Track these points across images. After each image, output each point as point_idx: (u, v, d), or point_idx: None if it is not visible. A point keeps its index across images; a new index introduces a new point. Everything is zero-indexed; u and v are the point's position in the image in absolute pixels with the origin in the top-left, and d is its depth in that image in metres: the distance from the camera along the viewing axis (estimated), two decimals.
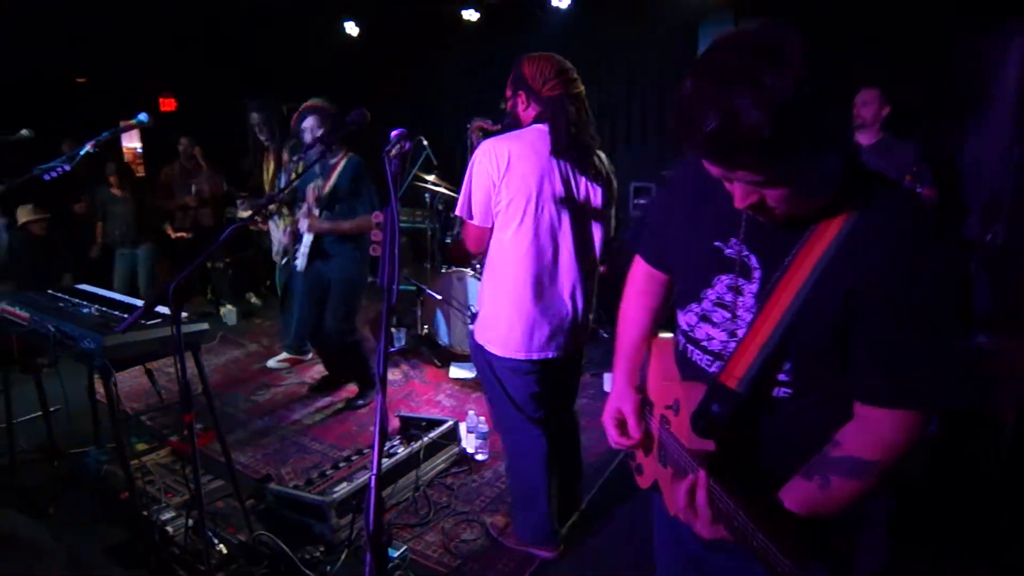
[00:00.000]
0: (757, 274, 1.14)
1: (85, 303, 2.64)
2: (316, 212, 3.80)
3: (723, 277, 1.18)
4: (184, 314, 2.11)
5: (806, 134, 0.91)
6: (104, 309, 2.58)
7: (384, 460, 3.02)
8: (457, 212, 2.33)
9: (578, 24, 5.71)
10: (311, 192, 3.77)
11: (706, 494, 1.06)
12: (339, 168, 3.78)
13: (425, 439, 3.18)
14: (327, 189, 3.78)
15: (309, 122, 3.72)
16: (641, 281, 1.50)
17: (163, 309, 2.59)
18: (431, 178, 5.36)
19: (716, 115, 0.90)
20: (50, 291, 2.87)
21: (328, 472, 3.07)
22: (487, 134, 2.74)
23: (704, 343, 1.23)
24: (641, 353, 1.47)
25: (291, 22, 6.90)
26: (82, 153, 2.63)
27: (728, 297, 1.18)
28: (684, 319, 1.28)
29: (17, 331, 2.55)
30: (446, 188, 5.31)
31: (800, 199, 1.01)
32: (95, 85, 8.49)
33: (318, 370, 4.72)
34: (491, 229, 2.32)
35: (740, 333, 1.15)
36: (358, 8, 6.43)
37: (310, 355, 4.94)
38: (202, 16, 6.53)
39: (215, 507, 2.91)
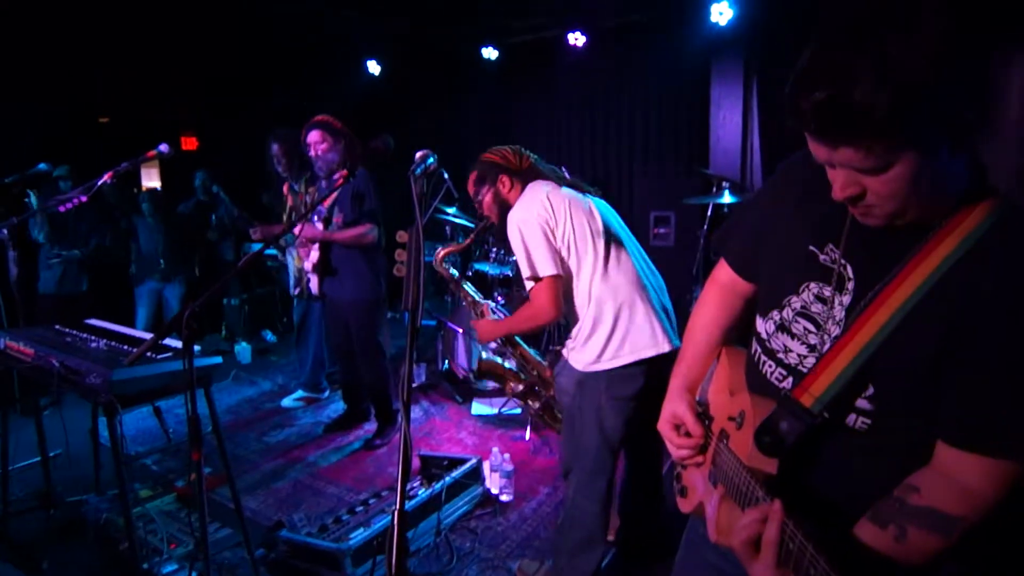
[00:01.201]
0: (851, 286, 1.02)
1: (93, 338, 2.53)
2: (318, 224, 3.68)
3: (812, 285, 1.08)
4: (196, 347, 2.01)
5: (927, 120, 0.81)
6: (113, 344, 2.47)
7: (387, 541, 2.85)
8: (528, 277, 2.28)
9: (595, 59, 5.74)
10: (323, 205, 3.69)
11: (779, 529, 0.90)
12: (343, 181, 3.65)
13: (447, 479, 3.00)
14: (329, 202, 3.68)
15: (314, 136, 3.63)
16: (720, 291, 1.38)
17: (175, 343, 2.50)
18: (452, 211, 5.30)
19: (828, 83, 0.81)
20: (57, 327, 2.77)
21: (344, 517, 2.90)
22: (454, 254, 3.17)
23: (780, 355, 1.13)
24: (704, 366, 1.35)
25: (314, 61, 6.98)
26: (99, 183, 2.58)
27: (815, 308, 1.07)
28: (763, 326, 1.17)
29: (20, 367, 2.44)
30: (467, 224, 5.25)
31: (908, 199, 0.90)
32: (117, 124, 8.63)
33: (335, 408, 4.58)
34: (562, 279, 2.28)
35: (823, 349, 1.04)
36: (381, 48, 6.48)
37: (327, 393, 4.81)
38: (225, 55, 6.60)
39: (222, 557, 2.74)
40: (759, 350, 1.18)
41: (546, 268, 2.22)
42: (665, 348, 2.25)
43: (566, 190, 2.34)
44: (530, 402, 3.58)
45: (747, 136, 5.19)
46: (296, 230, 3.71)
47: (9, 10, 4.74)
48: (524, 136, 6.20)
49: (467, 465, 3.19)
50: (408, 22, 5.79)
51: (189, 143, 9.14)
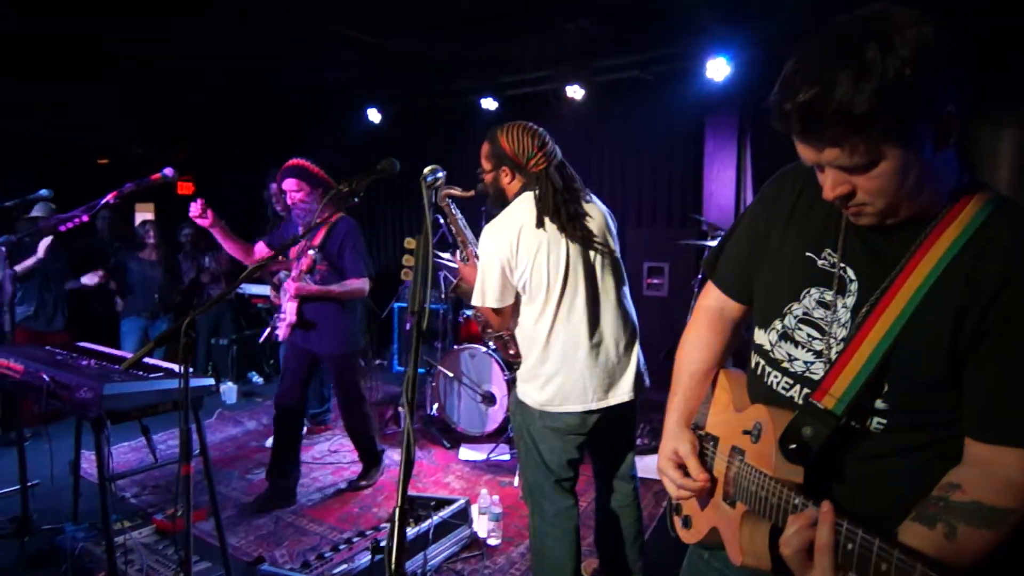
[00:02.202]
0: (854, 287, 1.04)
1: (84, 357, 2.51)
2: (307, 277, 3.46)
3: (812, 290, 1.09)
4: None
5: (907, 115, 0.84)
6: (104, 363, 2.44)
7: (387, 540, 2.78)
8: (473, 302, 2.32)
9: (592, 112, 5.89)
10: (306, 257, 3.43)
11: (832, 531, 0.87)
12: (327, 229, 3.48)
13: (435, 518, 2.93)
14: (311, 250, 3.46)
15: (290, 184, 3.42)
16: (709, 317, 1.37)
17: (167, 365, 2.48)
18: (446, 255, 5.34)
19: (810, 86, 0.86)
20: (48, 347, 2.74)
21: (327, 554, 2.82)
22: (457, 200, 2.98)
23: (784, 364, 1.12)
24: (699, 394, 1.33)
25: (316, 108, 7.13)
26: (101, 203, 2.60)
27: (818, 313, 1.08)
28: (764, 337, 1.17)
29: (7, 384, 2.40)
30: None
31: (897, 195, 0.93)
32: (116, 166, 8.72)
33: (319, 448, 4.51)
34: (512, 306, 2.31)
35: (830, 353, 1.04)
36: (382, 96, 6.65)
37: (303, 430, 4.73)
38: (225, 100, 6.75)
39: None
40: (762, 362, 1.18)
41: (491, 300, 2.25)
42: (593, 406, 2.24)
43: (544, 230, 2.23)
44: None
45: (740, 192, 5.31)
46: (289, 290, 3.44)
47: (23, 48, 4.86)
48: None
49: (455, 506, 3.12)
50: (409, 73, 5.96)
51: (185, 187, 9.24)
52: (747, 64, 4.79)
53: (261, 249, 3.56)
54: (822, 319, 1.07)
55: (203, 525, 3.09)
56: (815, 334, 1.08)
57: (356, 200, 1.91)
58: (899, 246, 0.99)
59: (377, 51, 5.09)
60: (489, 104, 5.98)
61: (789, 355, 1.12)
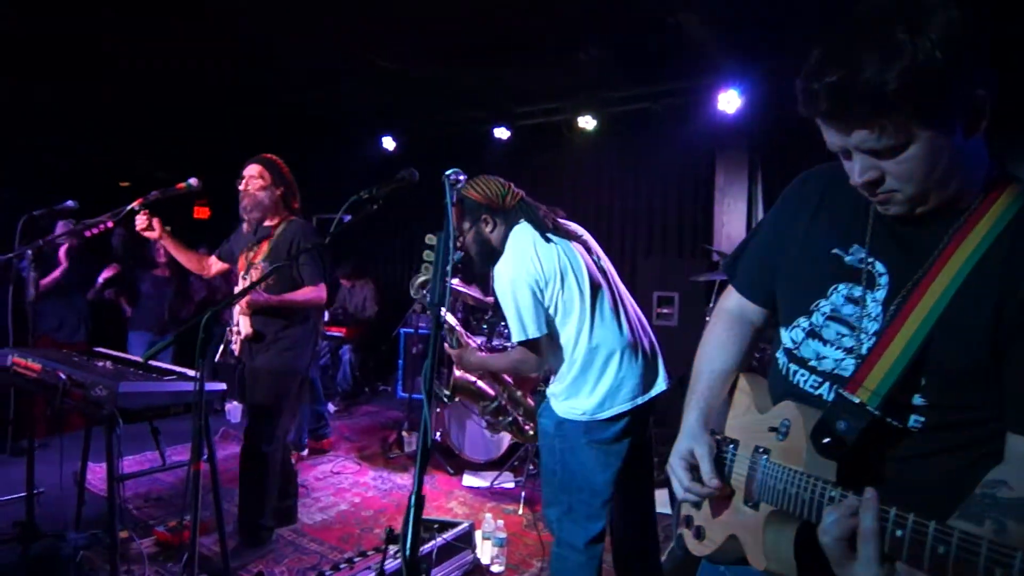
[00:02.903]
0: (885, 280, 1.02)
1: (100, 360, 2.53)
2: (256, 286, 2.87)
3: (840, 287, 1.07)
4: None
5: (937, 96, 0.84)
6: (119, 365, 2.47)
7: (388, 562, 2.74)
8: (517, 338, 2.22)
9: (603, 142, 5.97)
10: (255, 269, 3.06)
11: (877, 518, 0.83)
12: (276, 233, 3.14)
13: (439, 539, 2.90)
14: (259, 257, 3.09)
15: (251, 169, 3.13)
16: (729, 319, 1.36)
17: (181, 370, 2.50)
18: (455, 281, 5.37)
19: (839, 67, 0.86)
20: (65, 351, 2.77)
21: (327, 573, 2.77)
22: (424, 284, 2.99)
23: (812, 362, 1.10)
24: (718, 395, 1.29)
25: (331, 135, 7.27)
26: (126, 210, 2.66)
27: (846, 310, 1.06)
28: (788, 336, 1.15)
29: (24, 383, 2.42)
30: (470, 292, 5.30)
31: (927, 181, 0.91)
32: (137, 190, 8.87)
33: (321, 469, 4.48)
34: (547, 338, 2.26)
35: (860, 349, 1.02)
36: (396, 124, 6.79)
37: (306, 451, 4.74)
38: (241, 126, 6.88)
39: None
40: (786, 361, 1.15)
41: (534, 330, 2.20)
42: (640, 400, 2.26)
43: (553, 242, 2.28)
44: (500, 418, 3.48)
45: (752, 225, 5.34)
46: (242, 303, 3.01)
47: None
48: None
49: (458, 528, 3.08)
50: (423, 102, 6.07)
51: (202, 212, 9.37)
52: (759, 98, 4.85)
53: (215, 261, 3.41)
54: (851, 316, 1.05)
55: (203, 539, 3.06)
56: (844, 331, 1.06)
57: (375, 207, 1.93)
58: (930, 237, 0.98)
59: (394, 79, 5.21)
60: (502, 133, 6.09)
61: (817, 353, 1.09)
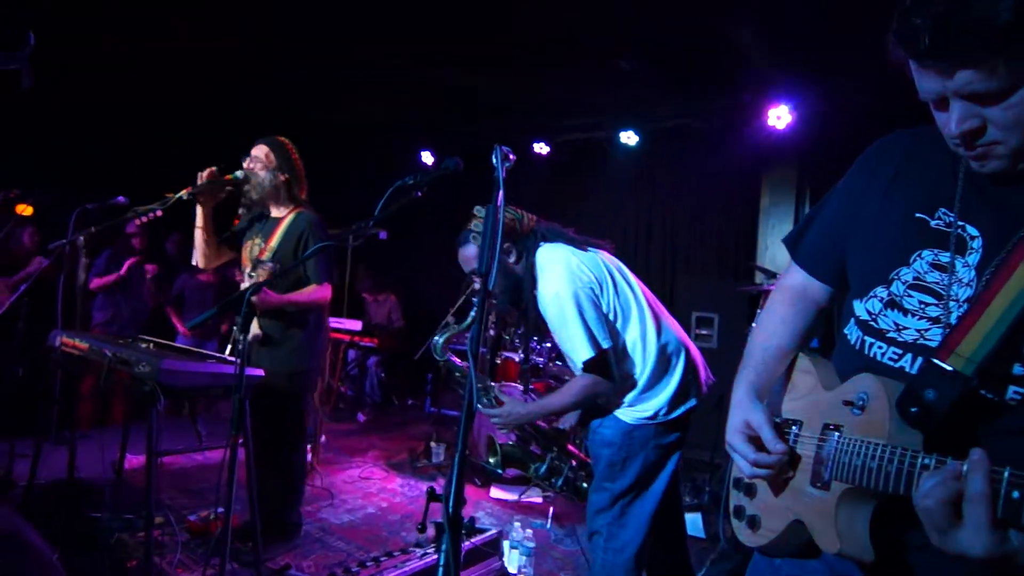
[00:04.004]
0: (978, 243, 0.95)
1: (144, 342, 2.59)
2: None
3: (925, 253, 1.00)
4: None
5: None
6: (163, 348, 2.51)
7: (415, 563, 2.71)
8: (587, 356, 2.07)
9: (645, 160, 5.92)
10: (263, 269, 2.94)
11: (988, 480, 0.75)
12: (284, 225, 3.01)
13: (467, 542, 2.85)
14: (266, 253, 2.97)
15: (259, 150, 3.00)
16: (790, 294, 1.28)
17: (220, 356, 2.54)
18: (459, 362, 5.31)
19: None
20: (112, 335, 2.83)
21: (354, 569, 2.74)
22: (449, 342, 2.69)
23: (891, 334, 1.02)
24: (773, 371, 1.22)
25: (370, 149, 7.37)
26: (175, 198, 2.72)
27: (931, 277, 0.98)
28: (863, 307, 1.07)
29: (70, 361, 2.48)
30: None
31: None
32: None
33: (349, 474, 4.48)
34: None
35: (949, 318, 0.95)
36: (434, 139, 6.86)
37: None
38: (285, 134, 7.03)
39: None
40: (860, 334, 1.08)
41: (604, 340, 2.08)
42: (699, 396, 2.25)
43: (588, 249, 2.25)
44: (553, 480, 3.43)
45: None
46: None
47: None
48: (571, 226, 6.35)
49: (487, 534, 3.03)
50: (462, 117, 6.12)
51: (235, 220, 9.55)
52: (811, 115, 4.72)
53: (225, 253, 3.27)
54: (937, 283, 0.98)
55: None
56: (929, 300, 0.98)
57: (419, 194, 1.94)
58: None
59: (432, 90, 5.27)
60: (541, 149, 6.11)
61: (896, 324, 1.01)
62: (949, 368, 0.89)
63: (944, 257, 0.98)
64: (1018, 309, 0.86)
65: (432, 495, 1.11)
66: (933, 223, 1.00)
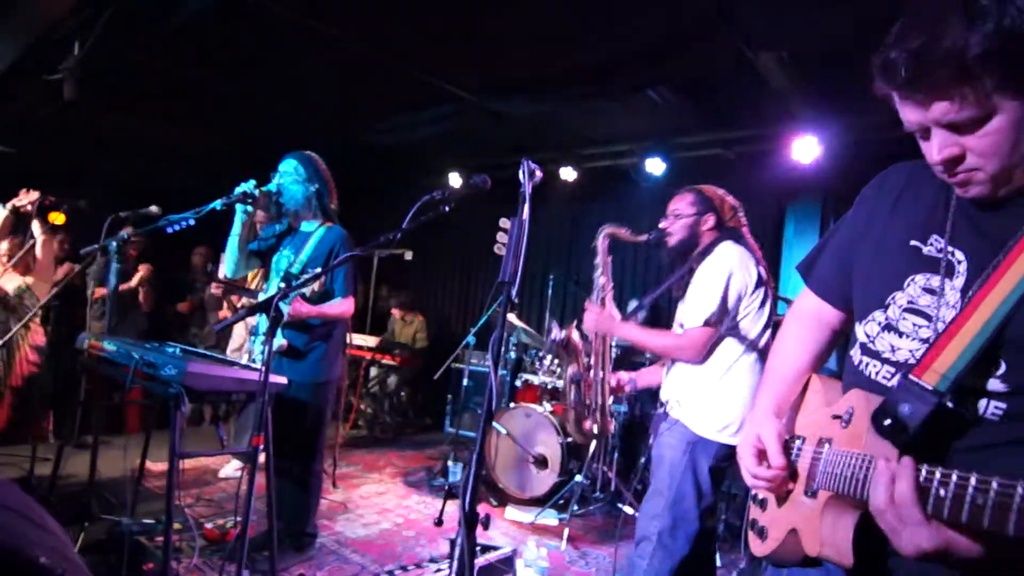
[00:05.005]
0: (963, 267, 0.99)
1: (170, 347, 2.64)
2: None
3: (917, 278, 1.04)
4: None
5: (1019, 64, 0.82)
6: (189, 352, 2.56)
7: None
8: (696, 323, 2.30)
9: (671, 189, 5.92)
10: (317, 281, 2.96)
11: (913, 480, 0.83)
12: (314, 239, 3.06)
13: (480, 559, 2.83)
14: (296, 265, 3.00)
15: (287, 165, 3.06)
16: (804, 316, 1.34)
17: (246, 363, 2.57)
18: (511, 316, 5.38)
19: (920, 35, 0.85)
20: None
21: None
22: (616, 241, 2.82)
23: (885, 354, 1.07)
24: (791, 390, 1.27)
25: (397, 170, 7.48)
26: (208, 208, 2.79)
27: (923, 301, 1.03)
28: (863, 329, 1.13)
29: (96, 363, 2.54)
30: (525, 327, 5.30)
31: (1011, 156, 0.88)
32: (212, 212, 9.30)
33: (366, 490, 4.48)
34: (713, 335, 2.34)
35: (937, 338, 0.99)
36: (462, 162, 6.94)
37: None
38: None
39: None
40: (860, 354, 1.13)
41: (718, 321, 2.29)
42: None
43: (759, 265, 2.43)
44: (574, 394, 3.00)
45: None
46: (285, 312, 2.76)
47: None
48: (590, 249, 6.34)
49: (501, 552, 3.01)
50: (489, 140, 6.18)
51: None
52: (837, 148, 4.69)
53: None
54: (928, 306, 1.03)
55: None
56: (922, 322, 1.03)
57: (446, 209, 1.97)
58: (1010, 221, 0.95)
59: (462, 113, 5.34)
60: (568, 174, 6.14)
61: (892, 346, 1.07)
62: (924, 384, 0.94)
63: (935, 281, 1.02)
64: (993, 327, 0.90)
65: (449, 493, 1.12)
66: (926, 250, 1.05)
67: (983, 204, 0.98)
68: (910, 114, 0.92)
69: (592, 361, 2.77)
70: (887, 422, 0.94)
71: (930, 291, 1.03)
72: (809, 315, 1.33)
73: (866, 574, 1.01)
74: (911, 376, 0.96)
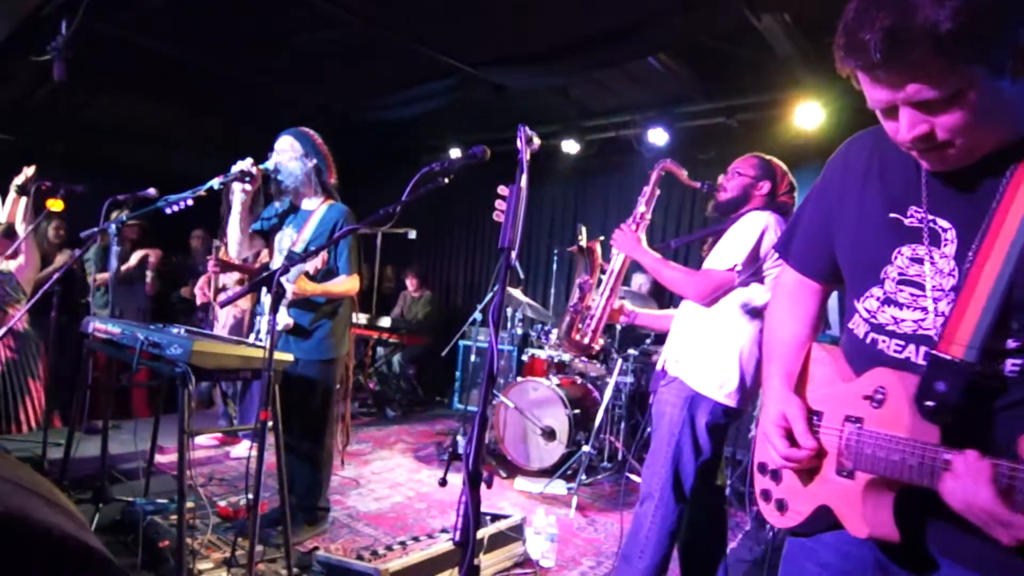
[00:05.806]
0: (952, 234, 1.00)
1: (174, 328, 2.65)
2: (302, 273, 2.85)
3: (903, 249, 1.05)
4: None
5: (989, 38, 0.81)
6: (193, 332, 2.57)
7: (442, 547, 2.74)
8: (729, 262, 2.30)
9: (674, 158, 5.88)
10: (318, 258, 2.95)
11: (991, 481, 0.84)
12: (316, 217, 3.04)
13: (491, 527, 2.88)
14: (299, 244, 2.98)
15: (283, 142, 3.01)
16: (790, 290, 1.34)
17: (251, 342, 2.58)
18: (516, 292, 5.38)
19: (889, 12, 0.82)
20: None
21: (381, 552, 2.79)
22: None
23: (891, 327, 1.07)
24: (796, 360, 1.26)
25: (397, 145, 7.43)
26: (205, 187, 2.77)
27: (913, 271, 1.04)
28: (862, 305, 1.13)
29: (102, 346, 2.55)
30: (530, 302, 5.31)
31: (981, 130, 0.88)
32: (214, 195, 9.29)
33: (378, 465, 4.53)
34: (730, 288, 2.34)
35: (938, 306, 1.00)
36: (463, 137, 6.89)
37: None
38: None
39: (256, 570, 2.65)
40: (865, 329, 1.13)
41: (742, 269, 2.27)
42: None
43: None
44: (579, 302, 2.87)
45: None
46: (287, 292, 2.73)
47: None
48: (595, 223, 6.31)
49: (510, 520, 3.06)
50: (490, 113, 6.10)
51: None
52: (838, 115, 4.64)
53: (255, 245, 3.25)
54: (918, 275, 1.03)
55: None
56: (917, 292, 1.04)
57: (446, 180, 1.96)
58: (990, 182, 0.95)
59: (463, 86, 5.28)
60: (570, 147, 6.09)
61: (894, 318, 1.07)
62: (951, 358, 0.94)
63: (921, 250, 1.03)
64: (1001, 289, 0.91)
65: (454, 455, 1.14)
66: (907, 221, 1.05)
67: (958, 170, 0.98)
68: (879, 93, 0.90)
69: (604, 279, 2.78)
70: (929, 403, 0.94)
71: (917, 260, 1.04)
72: (796, 288, 1.34)
73: (910, 545, 1.03)
74: (937, 353, 0.96)
